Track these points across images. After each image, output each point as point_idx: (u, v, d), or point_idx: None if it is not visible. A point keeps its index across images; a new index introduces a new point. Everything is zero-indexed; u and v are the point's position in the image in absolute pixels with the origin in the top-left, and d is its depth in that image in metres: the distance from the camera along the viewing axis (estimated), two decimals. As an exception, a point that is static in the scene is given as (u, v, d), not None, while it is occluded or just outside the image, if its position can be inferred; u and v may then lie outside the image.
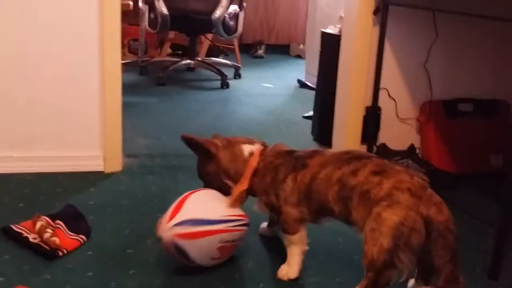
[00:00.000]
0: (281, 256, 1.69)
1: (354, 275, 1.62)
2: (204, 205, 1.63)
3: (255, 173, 1.65)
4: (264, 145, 1.72)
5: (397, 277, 1.43)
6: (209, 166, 1.71)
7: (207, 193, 1.69)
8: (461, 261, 1.75)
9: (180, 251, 1.55)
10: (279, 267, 1.66)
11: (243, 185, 1.65)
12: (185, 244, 1.54)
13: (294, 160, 1.61)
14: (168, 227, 1.54)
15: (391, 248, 1.38)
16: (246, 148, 1.69)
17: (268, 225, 1.88)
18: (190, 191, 1.66)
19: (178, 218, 1.55)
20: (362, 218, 1.45)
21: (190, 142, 1.71)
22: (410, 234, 1.38)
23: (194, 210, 1.59)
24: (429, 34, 2.50)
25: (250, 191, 1.67)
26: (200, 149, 1.70)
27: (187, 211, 1.57)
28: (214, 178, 1.71)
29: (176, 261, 1.61)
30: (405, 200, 1.39)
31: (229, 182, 1.69)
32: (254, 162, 1.65)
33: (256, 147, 1.69)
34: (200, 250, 1.57)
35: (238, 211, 1.66)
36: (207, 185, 1.74)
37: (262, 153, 1.68)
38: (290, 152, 1.67)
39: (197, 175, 1.76)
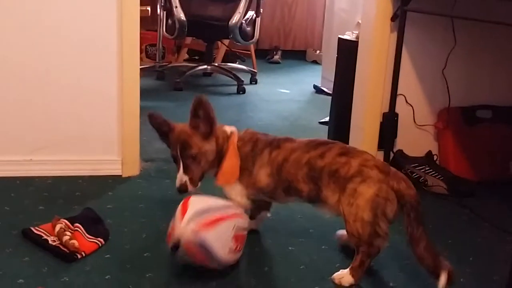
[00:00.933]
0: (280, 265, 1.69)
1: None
2: (207, 199, 1.67)
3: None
4: (238, 129, 1.84)
5: (384, 244, 1.63)
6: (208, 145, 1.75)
7: (204, 196, 1.71)
8: (479, 269, 1.74)
9: (202, 245, 1.53)
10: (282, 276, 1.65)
11: (230, 163, 1.73)
12: (205, 235, 1.53)
13: (270, 139, 1.76)
14: (184, 225, 1.54)
15: (371, 219, 1.56)
16: (227, 129, 1.79)
17: (250, 217, 1.88)
18: (186, 197, 1.67)
19: (189, 213, 1.56)
20: (334, 194, 1.62)
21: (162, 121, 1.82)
22: (385, 204, 1.56)
23: (201, 203, 1.62)
24: (447, 41, 2.49)
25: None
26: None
27: (194, 206, 1.59)
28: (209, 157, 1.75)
29: (198, 263, 1.60)
30: (375, 175, 1.57)
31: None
32: (235, 139, 1.76)
33: (233, 129, 1.81)
34: (220, 239, 1.57)
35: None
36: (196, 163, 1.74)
37: (239, 134, 1.81)
38: (264, 134, 1.81)
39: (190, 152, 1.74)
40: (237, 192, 1.77)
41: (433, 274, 1.53)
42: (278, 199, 1.79)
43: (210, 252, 1.56)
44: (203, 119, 1.72)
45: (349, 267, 1.64)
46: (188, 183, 1.70)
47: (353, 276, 1.62)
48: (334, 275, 1.65)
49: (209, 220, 1.56)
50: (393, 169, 1.62)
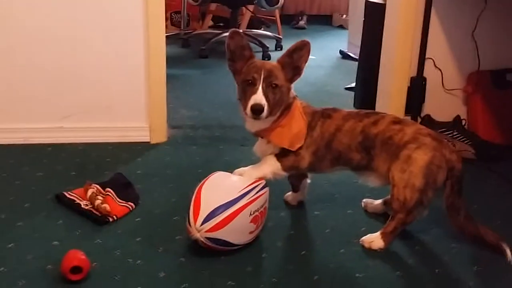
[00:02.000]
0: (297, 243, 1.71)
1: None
2: (219, 189, 1.60)
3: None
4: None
5: (423, 213, 1.64)
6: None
7: (217, 177, 1.66)
8: (508, 233, 1.73)
9: (219, 242, 1.55)
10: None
11: (296, 126, 1.66)
12: (221, 233, 1.53)
13: (320, 110, 1.72)
14: (198, 228, 1.52)
15: (422, 186, 1.55)
16: (292, 90, 1.70)
17: (294, 190, 1.90)
18: (201, 182, 1.63)
19: (202, 214, 1.53)
20: (385, 162, 1.61)
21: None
22: (437, 172, 1.55)
23: (213, 198, 1.56)
24: (477, 2, 2.42)
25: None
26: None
27: (207, 203, 1.54)
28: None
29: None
30: (430, 142, 1.57)
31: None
32: (300, 104, 1.71)
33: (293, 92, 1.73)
34: (236, 231, 1.56)
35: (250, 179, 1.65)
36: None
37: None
38: (314, 108, 1.75)
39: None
40: (274, 165, 1.68)
41: (476, 242, 1.58)
42: (319, 171, 1.75)
43: (228, 244, 1.57)
44: (293, 64, 1.65)
45: (381, 231, 1.65)
46: (265, 105, 1.57)
47: (384, 240, 1.63)
48: (364, 238, 1.66)
49: (222, 220, 1.52)
50: (445, 139, 1.65)
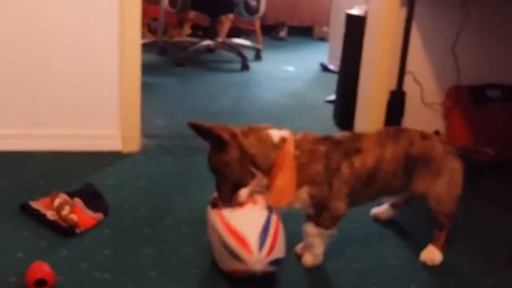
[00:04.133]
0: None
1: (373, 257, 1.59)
2: (246, 214, 1.47)
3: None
4: (293, 131, 1.50)
5: None
6: (226, 155, 1.42)
7: (227, 210, 1.49)
8: (485, 251, 1.71)
9: (278, 262, 1.46)
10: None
11: (283, 178, 1.41)
12: (276, 252, 1.43)
13: (342, 146, 1.49)
14: (257, 257, 1.39)
15: (461, 193, 1.60)
16: (275, 134, 1.44)
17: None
18: (217, 221, 1.48)
19: (253, 241, 1.40)
20: (424, 180, 1.58)
21: (198, 129, 1.44)
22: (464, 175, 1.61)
23: (249, 223, 1.44)
24: (458, 17, 2.42)
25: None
26: (212, 137, 1.43)
27: (248, 231, 1.42)
28: (234, 169, 1.43)
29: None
30: (451, 149, 1.60)
31: (257, 172, 1.44)
32: (291, 148, 1.42)
33: (287, 133, 1.46)
34: (282, 244, 1.47)
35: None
36: (222, 178, 1.46)
37: (295, 139, 1.45)
38: (328, 139, 1.51)
39: (209, 167, 1.50)
40: (319, 233, 1.52)
41: None
42: (357, 205, 1.59)
43: (281, 261, 1.48)
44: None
45: (434, 245, 1.66)
46: (216, 199, 1.49)
47: (442, 252, 1.65)
48: (424, 257, 1.65)
49: (272, 238, 1.42)
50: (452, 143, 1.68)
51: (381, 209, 1.86)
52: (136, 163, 2.24)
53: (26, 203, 1.78)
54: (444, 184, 1.58)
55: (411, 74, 2.47)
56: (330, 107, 3.07)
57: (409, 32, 2.36)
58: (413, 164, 1.57)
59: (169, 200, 1.93)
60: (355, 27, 2.71)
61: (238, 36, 4.94)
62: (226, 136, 1.41)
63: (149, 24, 4.69)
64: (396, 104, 2.47)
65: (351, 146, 1.50)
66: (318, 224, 1.50)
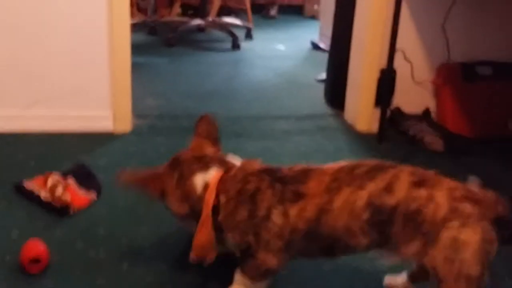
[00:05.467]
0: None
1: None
2: None
3: (217, 210, 1.22)
4: (228, 165, 1.27)
5: None
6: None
7: None
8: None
9: None
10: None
11: (203, 234, 1.22)
12: None
13: (279, 186, 1.18)
14: None
15: (479, 273, 1.12)
16: (198, 181, 1.24)
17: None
18: None
19: None
20: (411, 243, 1.13)
21: (127, 186, 1.33)
22: (491, 247, 1.12)
23: None
24: (448, -6, 2.42)
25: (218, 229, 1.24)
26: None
27: None
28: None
29: None
30: (472, 210, 1.11)
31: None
32: (210, 198, 1.22)
33: (211, 175, 1.24)
34: None
35: None
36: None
37: (223, 179, 1.23)
38: (268, 172, 1.22)
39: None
40: (242, 282, 1.29)
41: None
42: (309, 260, 1.37)
43: None
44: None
45: None
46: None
47: None
48: None
49: None
50: (478, 191, 1.18)
51: (397, 281, 1.40)
52: (128, 143, 2.24)
53: (20, 183, 1.78)
54: (444, 261, 1.11)
55: (401, 52, 2.48)
56: (321, 86, 3.07)
57: (399, 10, 2.35)
58: (388, 219, 1.13)
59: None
60: (346, 5, 2.70)
61: (228, 15, 4.90)
62: (156, 194, 1.31)
63: (138, 4, 4.64)
64: (386, 82, 2.48)
65: (291, 189, 1.17)
66: (243, 272, 1.27)
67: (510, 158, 2.30)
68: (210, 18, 4.41)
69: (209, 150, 1.33)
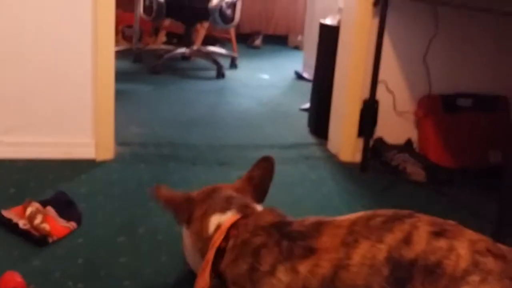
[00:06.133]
0: None
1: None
2: None
3: (221, 254, 1.18)
4: (248, 211, 1.24)
5: None
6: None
7: None
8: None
9: None
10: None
11: (201, 279, 1.18)
12: None
13: (286, 243, 1.10)
14: None
15: None
16: (214, 220, 1.23)
17: None
18: None
19: None
20: None
21: (161, 201, 1.32)
22: None
23: None
24: (429, 27, 2.47)
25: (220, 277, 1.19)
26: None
27: None
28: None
29: None
30: (494, 266, 1.00)
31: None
32: (217, 240, 1.18)
33: (227, 217, 1.22)
34: None
35: None
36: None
37: (237, 224, 1.20)
38: (278, 227, 1.16)
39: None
40: None
41: None
42: None
43: None
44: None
45: None
46: None
47: None
48: None
49: None
50: (504, 247, 1.06)
51: None
52: (110, 171, 2.22)
53: (-2, 212, 1.74)
54: None
55: (383, 83, 2.51)
56: (305, 115, 3.09)
57: (381, 42, 2.39)
58: (408, 275, 1.02)
59: (144, 208, 1.92)
60: (329, 37, 2.74)
61: (213, 44, 4.95)
62: (182, 221, 1.31)
63: (123, 32, 4.67)
64: (369, 113, 2.50)
65: (301, 244, 1.09)
66: None
67: (491, 189, 2.32)
68: (195, 47, 4.45)
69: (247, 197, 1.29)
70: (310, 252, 1.07)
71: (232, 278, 1.14)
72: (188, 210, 1.27)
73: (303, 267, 1.07)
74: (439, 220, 1.08)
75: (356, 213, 1.13)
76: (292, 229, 1.14)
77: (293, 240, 1.10)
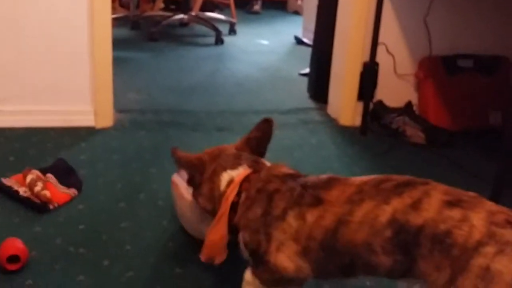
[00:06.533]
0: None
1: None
2: None
3: (235, 208, 1.21)
4: (259, 166, 1.26)
5: None
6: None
7: None
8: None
9: None
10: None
11: (216, 232, 1.21)
12: None
13: (299, 189, 1.13)
14: None
15: None
16: (225, 176, 1.25)
17: None
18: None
19: None
20: (439, 269, 0.97)
21: (180, 162, 1.33)
22: None
23: None
24: (430, -13, 2.43)
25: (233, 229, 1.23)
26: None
27: None
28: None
29: None
30: None
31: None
32: (231, 194, 1.21)
33: (238, 172, 1.24)
34: None
35: None
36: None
37: (249, 178, 1.22)
38: (293, 176, 1.19)
39: None
40: (253, 283, 1.20)
41: None
42: (329, 279, 1.24)
43: None
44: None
45: None
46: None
47: None
48: None
49: None
50: None
51: None
52: (110, 138, 2.22)
53: (-2, 180, 1.75)
54: None
55: (383, 45, 2.48)
56: (305, 80, 3.07)
57: (381, 4, 2.35)
58: (414, 240, 0.99)
59: (144, 175, 1.92)
60: (329, 0, 2.69)
61: (212, 10, 4.88)
62: (198, 178, 1.31)
63: (120, -1, 4.60)
64: (369, 75, 2.48)
65: (311, 193, 1.11)
66: (255, 274, 1.19)
67: (491, 150, 2.32)
68: (193, 13, 4.38)
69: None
70: (318, 201, 1.09)
71: (245, 224, 1.17)
72: (200, 171, 1.29)
73: (310, 216, 1.09)
74: (458, 190, 1.04)
75: (371, 175, 1.13)
76: (306, 179, 1.16)
77: (305, 188, 1.12)
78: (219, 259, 1.22)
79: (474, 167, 2.15)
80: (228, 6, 4.94)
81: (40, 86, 2.24)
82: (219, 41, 4.07)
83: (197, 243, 1.50)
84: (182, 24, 4.55)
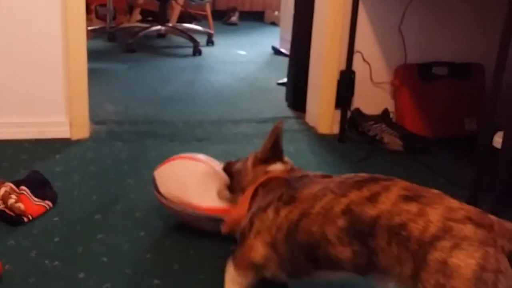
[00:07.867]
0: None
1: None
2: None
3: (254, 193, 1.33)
4: (292, 170, 1.37)
5: None
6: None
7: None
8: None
9: None
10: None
11: (240, 210, 1.33)
12: None
13: (284, 188, 1.22)
14: None
15: None
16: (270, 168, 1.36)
17: None
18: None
19: None
20: (401, 262, 0.97)
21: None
22: (496, 280, 0.92)
23: None
24: (404, -4, 2.46)
25: None
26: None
27: None
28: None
29: None
30: (473, 233, 0.93)
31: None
32: (259, 181, 1.33)
33: (276, 167, 1.35)
34: None
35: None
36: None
37: (274, 174, 1.33)
38: (288, 180, 1.27)
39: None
40: (229, 273, 1.29)
41: None
42: (302, 275, 1.22)
43: None
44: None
45: None
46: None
47: None
48: None
49: None
50: (495, 218, 0.97)
51: None
52: (86, 149, 2.19)
53: (-30, 193, 1.71)
54: (434, 286, 0.92)
55: (359, 54, 2.50)
56: (283, 89, 3.08)
57: (356, 12, 2.38)
58: (368, 231, 1.02)
59: (121, 186, 1.90)
60: (304, 9, 2.71)
61: (189, 22, 4.89)
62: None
63: (97, 10, 4.58)
64: (346, 84, 2.50)
65: (290, 193, 1.19)
66: (233, 260, 1.28)
67: (467, 157, 2.35)
68: (170, 24, 4.38)
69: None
70: (292, 200, 1.18)
71: (250, 218, 1.26)
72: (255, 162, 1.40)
73: (283, 212, 1.18)
74: (420, 187, 1.06)
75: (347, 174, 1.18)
76: (296, 182, 1.24)
77: (288, 189, 1.22)
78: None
79: (451, 173, 2.17)
80: (205, 17, 4.96)
81: (14, 98, 2.20)
82: (197, 52, 4.07)
83: (177, 254, 1.48)
84: (160, 35, 4.55)
